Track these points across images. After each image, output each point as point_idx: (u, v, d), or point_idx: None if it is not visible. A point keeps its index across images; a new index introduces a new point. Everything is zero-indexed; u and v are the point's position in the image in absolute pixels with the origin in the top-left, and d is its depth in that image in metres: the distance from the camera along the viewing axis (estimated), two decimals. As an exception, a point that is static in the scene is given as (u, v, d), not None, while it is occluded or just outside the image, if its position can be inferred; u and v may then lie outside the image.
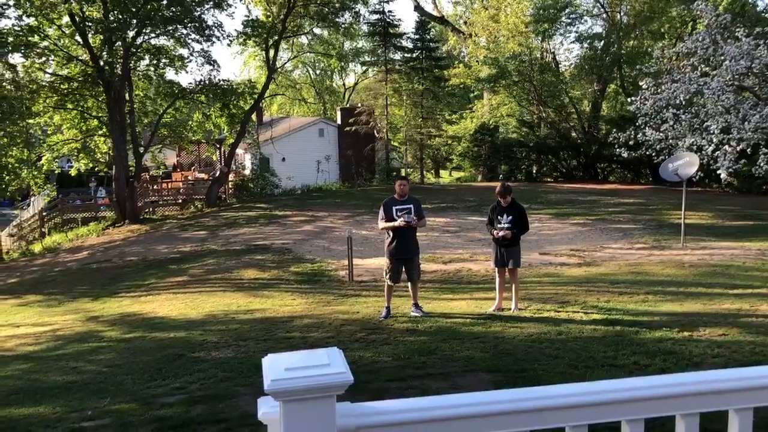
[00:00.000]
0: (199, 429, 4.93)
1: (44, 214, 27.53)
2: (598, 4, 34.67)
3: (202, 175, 34.30)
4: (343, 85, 59.38)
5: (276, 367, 1.63)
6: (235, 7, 73.64)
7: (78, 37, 23.92)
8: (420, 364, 6.45)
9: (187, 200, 28.31)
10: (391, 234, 8.64)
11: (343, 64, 53.82)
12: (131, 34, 23.82)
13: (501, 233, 8.65)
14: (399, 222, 8.48)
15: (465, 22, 40.35)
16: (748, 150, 15.40)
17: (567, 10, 33.34)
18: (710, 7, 16.11)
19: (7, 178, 24.67)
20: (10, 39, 22.29)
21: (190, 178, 33.99)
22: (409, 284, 8.89)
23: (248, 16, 28.94)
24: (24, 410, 5.82)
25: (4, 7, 22.23)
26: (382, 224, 8.79)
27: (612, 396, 1.79)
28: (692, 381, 1.85)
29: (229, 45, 35.79)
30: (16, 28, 22.80)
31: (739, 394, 1.82)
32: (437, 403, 1.74)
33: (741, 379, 1.84)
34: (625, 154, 17.43)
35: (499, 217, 8.76)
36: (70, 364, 7.83)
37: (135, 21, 23.60)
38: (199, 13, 24.98)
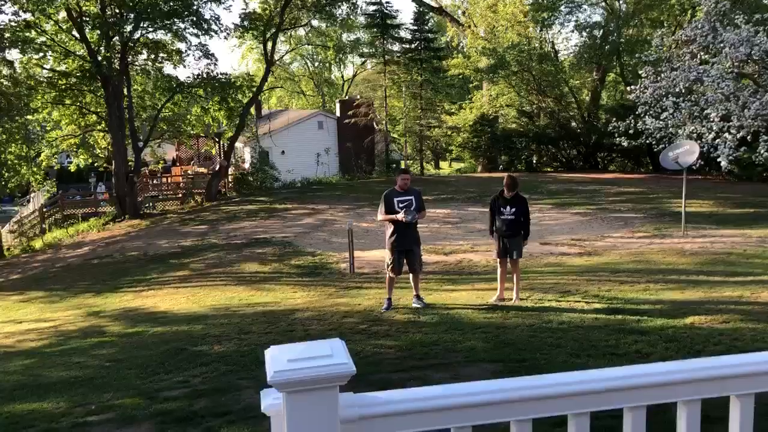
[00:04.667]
0: (202, 422, 4.95)
1: (44, 210, 27.55)
2: (596, -7, 34.53)
3: (202, 169, 34.28)
4: (342, 77, 59.25)
5: (279, 358, 1.63)
6: (233, 0, 73.20)
7: (75, 33, 23.86)
8: (422, 355, 6.46)
9: (187, 194, 28.30)
10: (392, 226, 8.63)
11: (341, 55, 53.62)
12: (129, 28, 23.75)
13: (506, 220, 8.68)
14: (400, 217, 8.41)
15: (463, 12, 40.15)
16: (749, 137, 15.37)
17: (565, -1, 33.23)
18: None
19: (6, 174, 24.67)
20: (7, 35, 22.22)
21: (189, 172, 33.96)
22: (410, 276, 8.90)
23: (245, 9, 28.81)
24: (28, 406, 5.84)
25: (1, 3, 22.16)
26: (381, 216, 8.74)
27: (613, 383, 1.80)
28: (693, 368, 1.86)
29: (226, 38, 35.65)
30: (13, 23, 22.74)
31: (741, 380, 1.82)
32: (438, 392, 1.74)
33: (742, 365, 1.85)
34: (625, 143, 17.39)
35: (502, 208, 8.76)
36: (73, 360, 7.86)
37: (132, 15, 23.54)
38: (196, 6, 24.91)
